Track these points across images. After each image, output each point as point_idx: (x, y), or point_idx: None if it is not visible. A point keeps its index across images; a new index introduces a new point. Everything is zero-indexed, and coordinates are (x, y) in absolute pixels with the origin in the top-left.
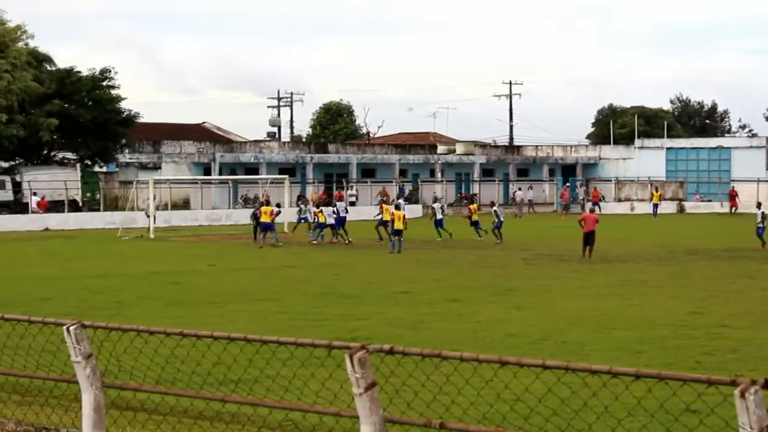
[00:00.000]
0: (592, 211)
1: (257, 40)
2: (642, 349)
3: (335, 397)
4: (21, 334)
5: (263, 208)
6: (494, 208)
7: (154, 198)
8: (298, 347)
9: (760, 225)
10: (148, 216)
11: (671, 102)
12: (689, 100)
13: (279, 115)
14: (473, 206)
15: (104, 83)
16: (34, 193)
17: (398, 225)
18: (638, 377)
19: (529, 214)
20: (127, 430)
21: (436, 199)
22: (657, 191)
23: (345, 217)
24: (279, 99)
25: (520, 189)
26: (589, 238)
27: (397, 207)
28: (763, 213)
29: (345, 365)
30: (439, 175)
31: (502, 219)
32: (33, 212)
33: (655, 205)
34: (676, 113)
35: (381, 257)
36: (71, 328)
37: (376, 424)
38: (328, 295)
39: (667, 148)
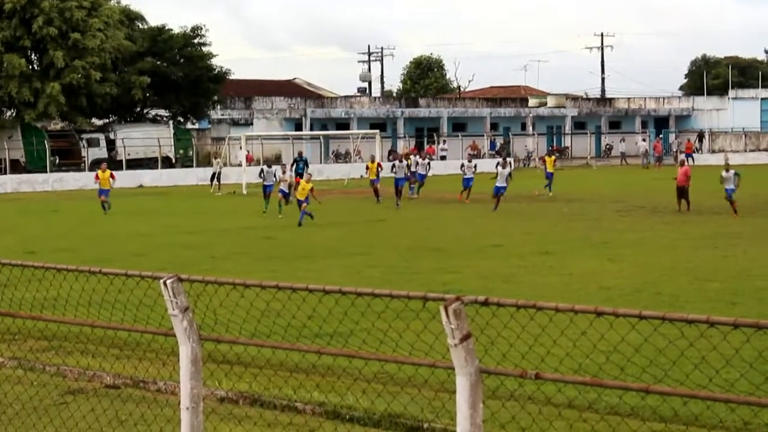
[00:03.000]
0: (682, 164)
1: None
2: (737, 301)
3: (430, 348)
4: (119, 289)
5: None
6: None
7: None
8: (392, 299)
9: None
10: (215, 173)
11: (766, 52)
12: None
13: (369, 70)
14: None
15: (195, 40)
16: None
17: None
18: (736, 327)
19: (621, 166)
20: (223, 382)
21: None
22: None
23: (423, 175)
24: (369, 54)
25: (644, 140)
26: (681, 193)
27: (372, 160)
28: None
29: (440, 317)
30: (530, 128)
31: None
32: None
33: None
34: None
35: (471, 211)
36: (168, 281)
37: (472, 374)
38: (419, 249)
39: (762, 99)
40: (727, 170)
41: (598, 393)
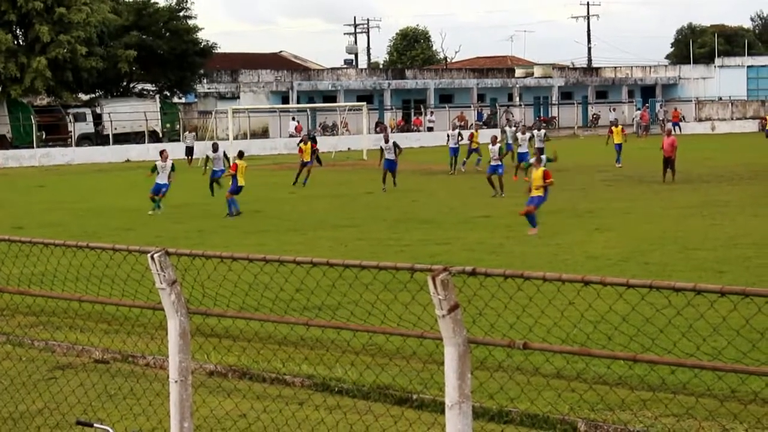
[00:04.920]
0: (669, 133)
1: None
2: (725, 269)
3: (418, 319)
4: (106, 263)
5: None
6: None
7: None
8: (380, 271)
9: None
10: (189, 147)
11: (752, 20)
12: None
13: (356, 42)
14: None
15: (180, 14)
16: (293, 118)
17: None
18: (723, 294)
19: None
20: (212, 356)
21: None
22: None
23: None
24: (355, 26)
25: (638, 109)
26: (667, 163)
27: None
28: None
29: (427, 288)
30: (517, 99)
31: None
32: (291, 136)
33: None
34: (757, 31)
35: (460, 183)
36: (155, 255)
37: (460, 345)
38: (407, 221)
39: (748, 67)
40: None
41: (586, 362)
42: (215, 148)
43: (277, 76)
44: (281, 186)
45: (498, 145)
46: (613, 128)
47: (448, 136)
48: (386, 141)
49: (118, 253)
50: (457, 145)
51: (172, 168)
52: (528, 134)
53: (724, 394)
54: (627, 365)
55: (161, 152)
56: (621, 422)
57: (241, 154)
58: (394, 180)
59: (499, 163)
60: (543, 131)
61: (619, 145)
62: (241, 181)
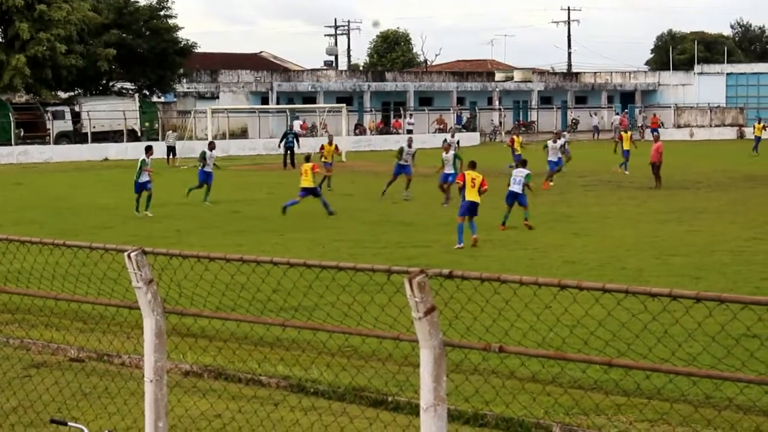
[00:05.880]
0: (656, 139)
1: None
2: (701, 276)
3: (395, 321)
4: (83, 262)
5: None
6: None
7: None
8: (357, 273)
9: None
10: (171, 147)
11: (732, 27)
12: (750, 25)
13: (336, 43)
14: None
15: (161, 13)
16: (297, 117)
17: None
18: (698, 300)
19: (593, 140)
20: (188, 355)
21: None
22: (760, 122)
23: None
24: (336, 27)
25: (617, 114)
26: (652, 169)
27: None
28: None
29: (404, 290)
30: (496, 102)
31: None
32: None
33: (758, 139)
34: (737, 39)
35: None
36: (132, 254)
37: (435, 348)
38: (386, 223)
39: (727, 74)
40: (555, 140)
41: (562, 366)
42: (212, 147)
43: (256, 77)
44: (260, 186)
45: (452, 152)
46: (623, 134)
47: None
48: (409, 146)
49: (94, 252)
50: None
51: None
52: (559, 142)
53: (698, 400)
54: (602, 370)
55: (148, 148)
56: (596, 427)
57: (308, 158)
58: (408, 185)
59: (453, 171)
60: (563, 140)
61: (627, 152)
62: (307, 183)
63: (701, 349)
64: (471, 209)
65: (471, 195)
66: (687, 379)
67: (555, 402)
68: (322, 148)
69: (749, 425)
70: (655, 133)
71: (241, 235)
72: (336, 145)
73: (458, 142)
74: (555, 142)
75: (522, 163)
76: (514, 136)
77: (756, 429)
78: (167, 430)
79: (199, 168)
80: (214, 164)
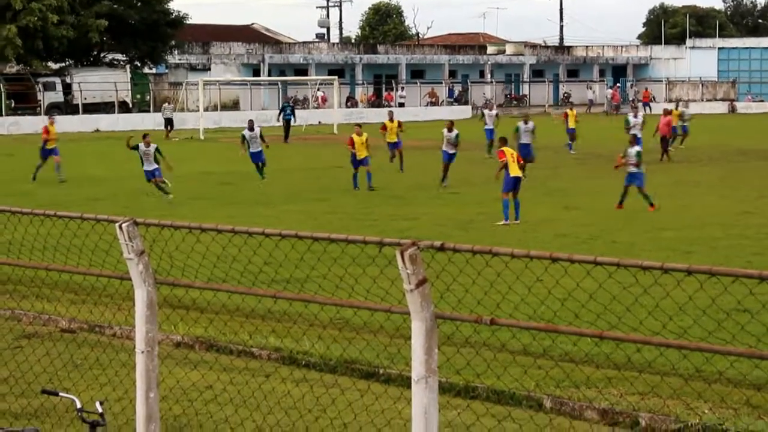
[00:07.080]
0: (666, 113)
1: None
2: (692, 250)
3: (386, 293)
4: (74, 233)
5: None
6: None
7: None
8: (348, 245)
9: None
10: (168, 119)
11: (723, 1)
12: (742, 0)
13: (328, 15)
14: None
15: None
16: (318, 88)
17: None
18: (690, 273)
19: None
20: (179, 327)
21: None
22: None
23: None
24: (327, 0)
25: (609, 87)
26: (661, 142)
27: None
28: None
29: (396, 262)
30: (488, 76)
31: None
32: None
33: None
34: (729, 13)
35: (430, 159)
36: (124, 225)
37: (427, 320)
38: (377, 196)
39: (719, 48)
40: (526, 122)
41: (553, 339)
42: (251, 126)
43: (248, 49)
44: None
45: (455, 131)
46: (568, 111)
47: (484, 114)
48: (450, 130)
49: (85, 223)
50: (493, 127)
51: (159, 152)
52: (530, 124)
53: (689, 373)
54: (593, 343)
55: (144, 136)
56: (586, 399)
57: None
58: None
59: (455, 151)
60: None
61: (572, 129)
62: (362, 154)
63: (692, 323)
64: (516, 184)
65: (514, 170)
66: (678, 352)
67: (546, 374)
68: (384, 128)
69: (739, 398)
70: (666, 107)
71: (233, 207)
72: (398, 121)
73: (497, 115)
74: (526, 123)
75: (633, 139)
76: (568, 110)
77: (746, 402)
78: (158, 401)
79: (249, 151)
80: (261, 140)
